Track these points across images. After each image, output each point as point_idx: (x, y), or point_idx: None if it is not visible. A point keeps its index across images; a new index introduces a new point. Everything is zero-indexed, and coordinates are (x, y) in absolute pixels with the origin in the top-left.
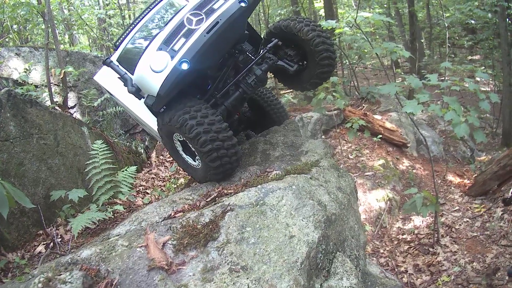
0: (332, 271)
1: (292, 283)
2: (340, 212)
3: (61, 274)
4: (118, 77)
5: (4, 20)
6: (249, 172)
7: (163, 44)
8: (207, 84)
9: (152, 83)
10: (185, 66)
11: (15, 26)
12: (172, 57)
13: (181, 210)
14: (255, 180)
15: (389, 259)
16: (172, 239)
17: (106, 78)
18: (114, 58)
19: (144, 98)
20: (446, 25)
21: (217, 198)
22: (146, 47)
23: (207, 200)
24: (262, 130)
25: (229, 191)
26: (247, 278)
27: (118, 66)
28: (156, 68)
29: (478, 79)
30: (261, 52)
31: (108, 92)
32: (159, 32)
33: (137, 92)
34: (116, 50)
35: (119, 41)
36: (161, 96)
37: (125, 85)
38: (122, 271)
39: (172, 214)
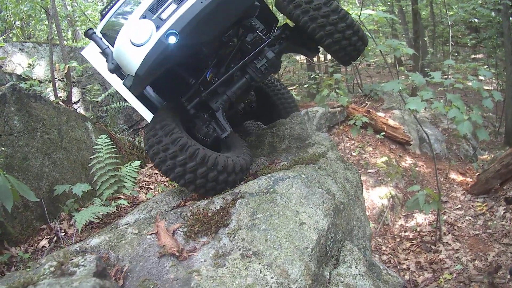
0: (341, 259)
1: (303, 268)
2: (348, 202)
3: (73, 259)
4: (100, 52)
5: (8, 16)
6: (257, 163)
7: (148, 10)
8: (204, 67)
9: (130, 59)
10: (172, 40)
11: (18, 22)
12: (158, 28)
13: (191, 198)
14: (264, 170)
15: (392, 257)
16: (183, 226)
17: (95, 53)
18: (98, 29)
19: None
20: (450, 23)
21: None
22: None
23: None
24: (269, 122)
25: None
26: (259, 263)
27: (101, 39)
28: (136, 40)
29: (481, 77)
30: (275, 32)
31: (96, 69)
32: None
33: (117, 70)
34: (102, 20)
35: (106, 9)
36: (139, 77)
37: (107, 61)
38: (132, 258)
39: (182, 202)
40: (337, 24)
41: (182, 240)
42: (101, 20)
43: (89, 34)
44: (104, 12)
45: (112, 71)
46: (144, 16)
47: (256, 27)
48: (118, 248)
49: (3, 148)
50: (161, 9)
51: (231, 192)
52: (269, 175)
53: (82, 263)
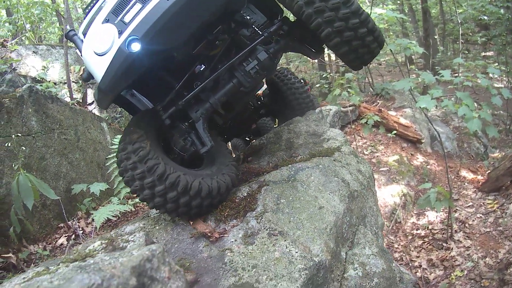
0: (356, 242)
1: (323, 245)
2: (361, 191)
3: (119, 237)
4: (80, 55)
5: (19, 19)
6: (276, 157)
7: (112, 13)
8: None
9: (94, 70)
10: (135, 47)
11: (28, 26)
12: (120, 33)
13: None
14: (283, 162)
15: (404, 254)
16: (213, 211)
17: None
18: (80, 30)
19: None
20: (459, 21)
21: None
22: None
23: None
24: (285, 120)
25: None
26: (285, 240)
27: (82, 40)
28: (98, 49)
29: (491, 75)
30: (272, 28)
31: None
32: None
33: (90, 79)
34: (85, 19)
35: (89, 7)
36: (102, 92)
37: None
38: (167, 241)
39: None
40: (349, 20)
41: (213, 224)
42: (84, 18)
43: (70, 36)
44: (87, 10)
45: (85, 80)
46: (106, 20)
47: (251, 21)
48: (153, 233)
49: (23, 148)
50: (125, 11)
51: (256, 181)
52: (290, 165)
53: (132, 239)
